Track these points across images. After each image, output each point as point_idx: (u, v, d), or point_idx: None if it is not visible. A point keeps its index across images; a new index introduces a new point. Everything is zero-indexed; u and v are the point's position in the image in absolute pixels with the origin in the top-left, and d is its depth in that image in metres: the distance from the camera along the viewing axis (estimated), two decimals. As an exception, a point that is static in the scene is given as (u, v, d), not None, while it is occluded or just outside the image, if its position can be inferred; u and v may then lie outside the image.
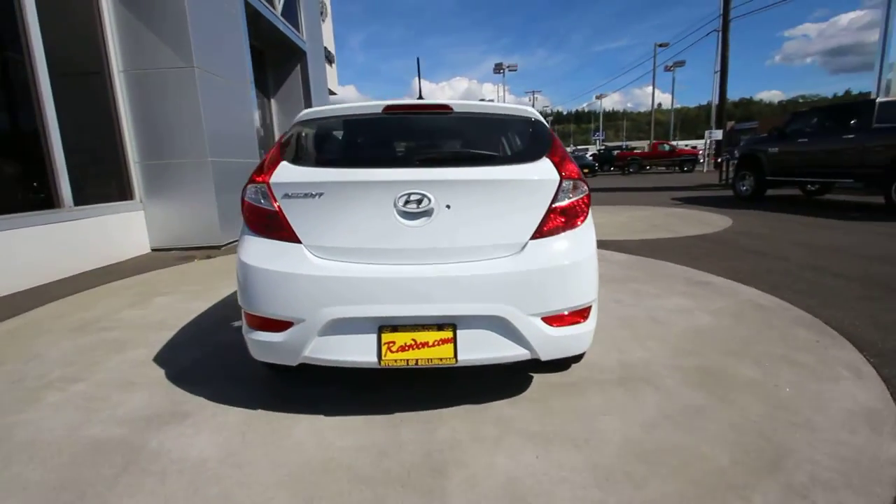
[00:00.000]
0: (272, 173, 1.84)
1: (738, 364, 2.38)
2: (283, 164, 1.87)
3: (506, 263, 1.78)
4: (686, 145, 35.71)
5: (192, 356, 2.72)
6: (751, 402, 2.02)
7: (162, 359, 2.70)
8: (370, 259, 1.78)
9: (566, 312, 1.83)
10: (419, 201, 1.74)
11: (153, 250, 6.29)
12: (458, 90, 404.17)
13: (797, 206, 9.01)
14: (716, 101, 16.27)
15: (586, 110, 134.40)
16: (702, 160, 26.27)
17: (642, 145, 37.95)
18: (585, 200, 1.91)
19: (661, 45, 33.03)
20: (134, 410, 2.11)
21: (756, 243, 5.55)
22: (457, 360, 1.76)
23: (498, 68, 37.40)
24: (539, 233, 1.82)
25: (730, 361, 2.41)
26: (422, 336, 1.77)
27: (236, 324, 3.24)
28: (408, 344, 1.76)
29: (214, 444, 1.83)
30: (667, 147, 28.15)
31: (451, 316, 1.76)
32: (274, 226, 1.81)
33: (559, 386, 2.22)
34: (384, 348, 1.75)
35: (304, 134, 2.08)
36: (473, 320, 1.77)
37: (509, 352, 1.80)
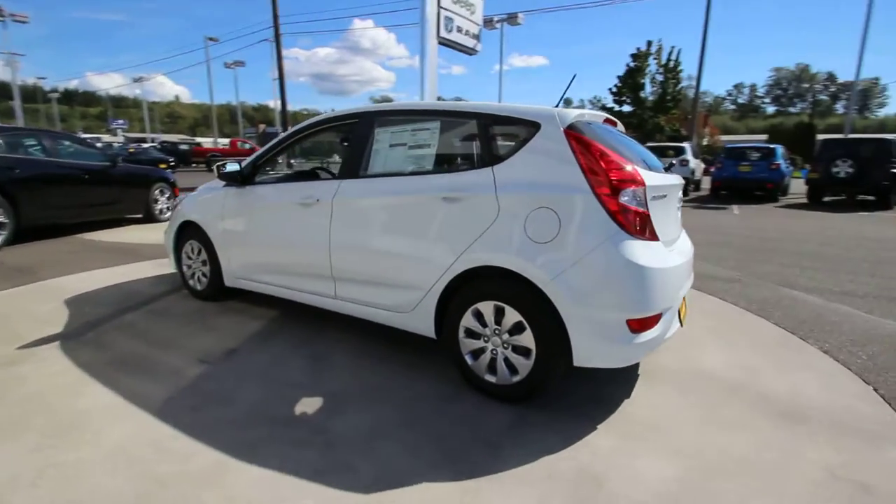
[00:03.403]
0: (641, 177, 1.93)
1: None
2: (638, 168, 1.98)
3: (689, 242, 2.53)
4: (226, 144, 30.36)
5: None
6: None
7: None
8: (671, 247, 2.16)
9: None
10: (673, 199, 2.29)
11: None
12: None
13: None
14: (279, 105, 16.87)
15: (80, 90, 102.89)
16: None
17: (214, 141, 33.60)
18: None
19: (211, 39, 30.95)
20: None
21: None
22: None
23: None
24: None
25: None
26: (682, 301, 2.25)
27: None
28: (680, 308, 2.17)
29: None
30: (247, 145, 25.08)
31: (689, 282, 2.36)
32: (646, 227, 1.94)
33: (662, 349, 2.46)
34: (680, 314, 2.15)
35: (599, 137, 2.05)
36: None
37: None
